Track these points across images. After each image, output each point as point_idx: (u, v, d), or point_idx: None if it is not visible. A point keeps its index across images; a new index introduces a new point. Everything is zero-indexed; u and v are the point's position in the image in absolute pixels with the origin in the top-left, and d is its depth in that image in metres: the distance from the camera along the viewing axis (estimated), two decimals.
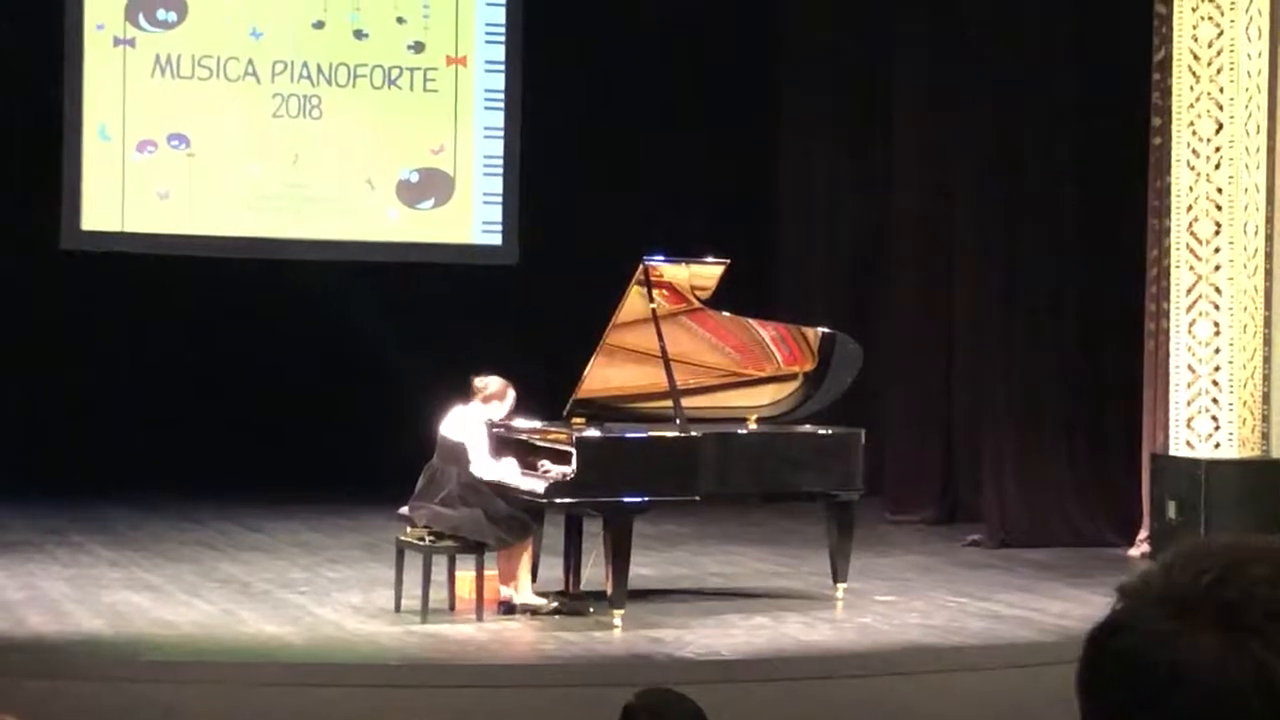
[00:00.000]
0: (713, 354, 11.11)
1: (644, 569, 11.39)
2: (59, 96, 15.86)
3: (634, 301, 10.64)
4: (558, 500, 10.13)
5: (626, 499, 10.09)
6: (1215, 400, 12.61)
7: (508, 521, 10.11)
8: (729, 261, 10.89)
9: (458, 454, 10.21)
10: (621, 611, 10.01)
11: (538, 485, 10.14)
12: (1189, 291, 12.67)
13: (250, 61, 16.30)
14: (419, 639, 9.73)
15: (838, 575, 10.92)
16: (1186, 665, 1.41)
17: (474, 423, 10.28)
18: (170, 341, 16.01)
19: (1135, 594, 1.47)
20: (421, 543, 10.19)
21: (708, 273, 10.89)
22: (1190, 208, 12.66)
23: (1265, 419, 12.72)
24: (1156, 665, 1.42)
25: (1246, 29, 12.57)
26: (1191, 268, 12.66)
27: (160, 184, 16.15)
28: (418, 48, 16.72)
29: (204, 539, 13.25)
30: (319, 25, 16.48)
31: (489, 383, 10.37)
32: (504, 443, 10.60)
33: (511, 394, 10.41)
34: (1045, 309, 14.04)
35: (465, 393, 10.41)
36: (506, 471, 10.26)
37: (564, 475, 10.06)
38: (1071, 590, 11.49)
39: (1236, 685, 1.40)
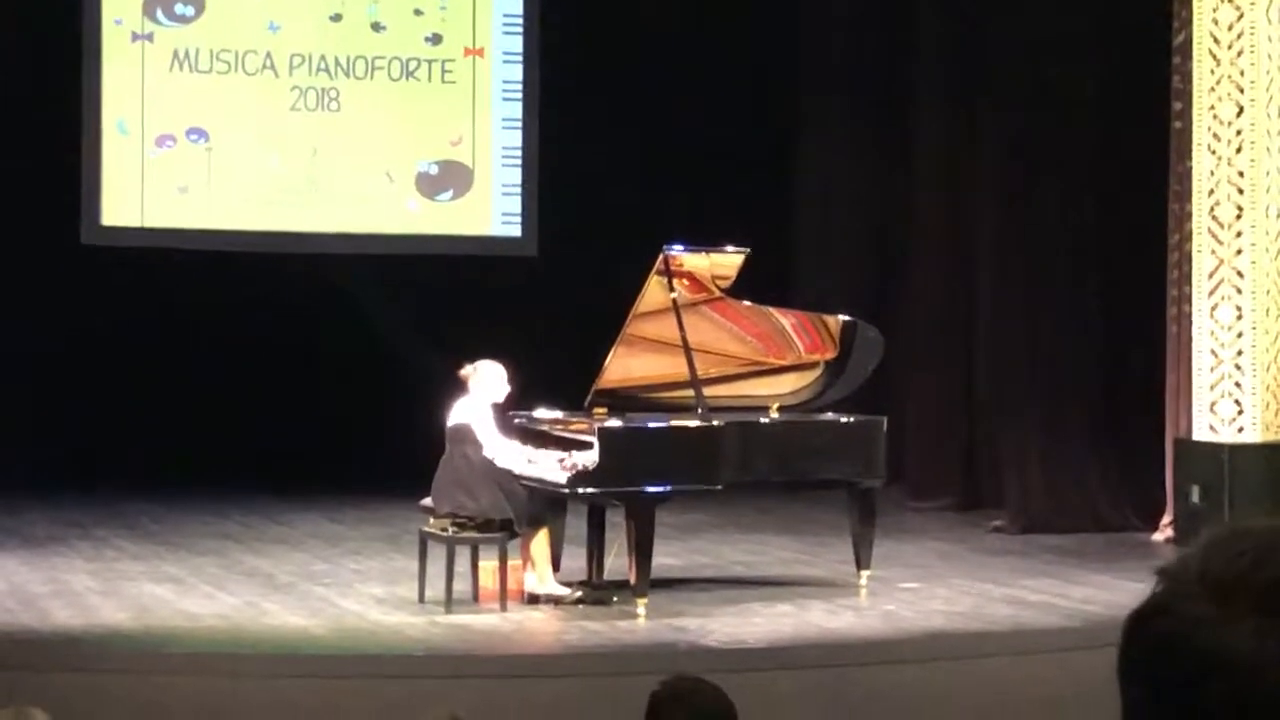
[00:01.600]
0: (734, 343, 11.10)
1: (667, 558, 11.40)
2: (77, 92, 15.88)
3: (655, 291, 10.64)
4: (580, 490, 10.14)
5: (649, 488, 10.09)
6: (1238, 384, 12.59)
7: (522, 507, 10.11)
8: (749, 250, 10.88)
9: (465, 434, 10.22)
10: (645, 600, 10.02)
11: (560, 475, 10.15)
12: (1211, 275, 12.65)
13: (268, 55, 16.31)
14: (443, 630, 9.75)
15: (861, 562, 10.93)
16: (1225, 648, 1.41)
17: (479, 408, 10.27)
18: (190, 335, 16.02)
19: (1174, 577, 1.47)
20: (444, 533, 10.20)
21: (728, 262, 10.89)
22: (1212, 191, 12.64)
23: None
24: (1196, 648, 1.42)
25: (1267, 11, 12.53)
26: (1213, 251, 12.64)
27: (179, 178, 16.17)
28: (435, 39, 16.72)
29: (227, 531, 13.27)
30: (336, 18, 16.49)
31: (476, 368, 10.37)
32: (526, 433, 10.61)
33: (501, 371, 10.36)
34: (1066, 294, 14.01)
35: (462, 387, 10.41)
36: (518, 455, 10.28)
37: (586, 466, 10.06)
38: (1095, 576, 11.48)
39: (1275, 668, 1.40)
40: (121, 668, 8.88)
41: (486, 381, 10.32)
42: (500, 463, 10.19)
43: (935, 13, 15.29)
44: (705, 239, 11.11)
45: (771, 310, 11.18)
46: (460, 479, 10.21)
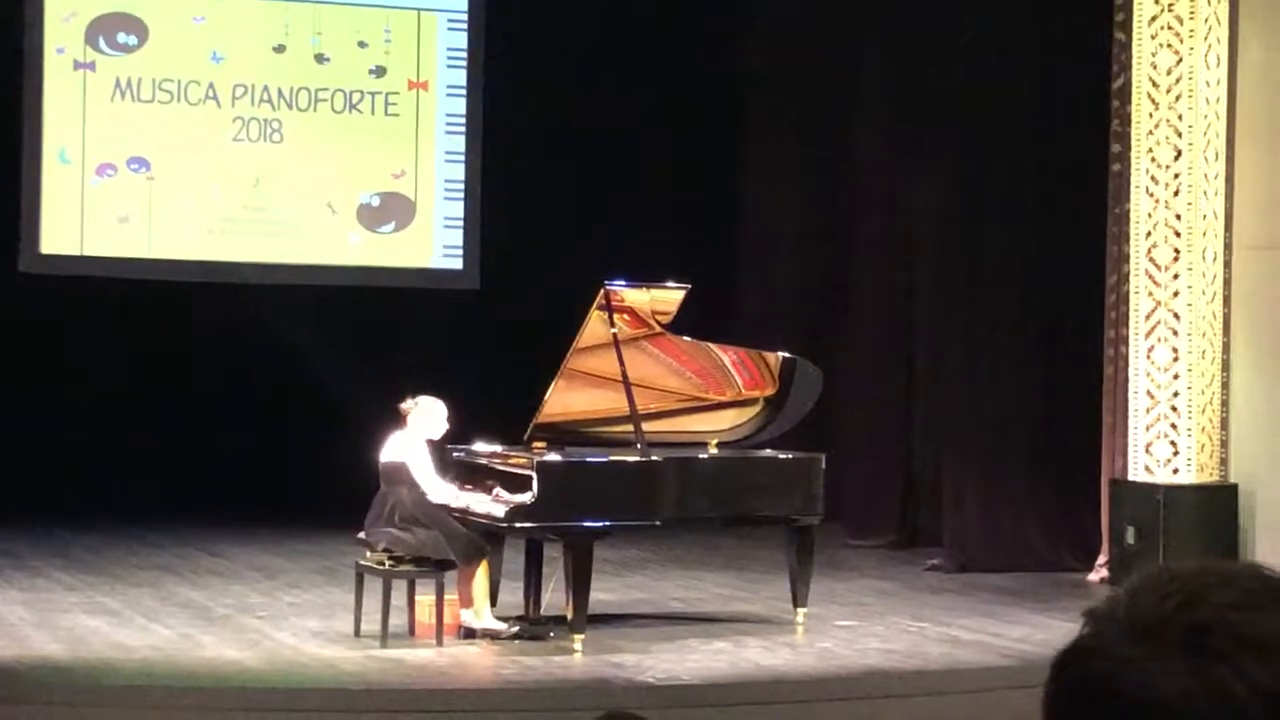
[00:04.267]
0: (674, 378, 11.11)
1: (604, 594, 11.38)
2: (18, 119, 15.80)
3: (595, 326, 10.64)
4: (518, 525, 10.12)
5: (587, 523, 10.08)
6: (1174, 426, 12.67)
7: (464, 541, 10.09)
8: (690, 286, 10.90)
9: (399, 474, 10.20)
10: (582, 636, 9.99)
11: (497, 510, 10.13)
12: (1148, 317, 12.73)
13: (211, 85, 16.27)
14: (379, 664, 9.70)
15: (798, 600, 10.93)
16: (1153, 690, 1.41)
17: (413, 444, 10.25)
18: (129, 365, 15.94)
19: (1102, 619, 1.47)
20: (381, 567, 10.17)
21: (669, 297, 10.90)
22: (1149, 234, 12.73)
23: (1223, 444, 12.78)
24: (1123, 690, 1.42)
25: (1205, 56, 12.65)
26: (1150, 294, 12.73)
27: (120, 208, 16.10)
28: (379, 72, 16.71)
29: (162, 563, 13.19)
30: (280, 49, 16.46)
31: (418, 402, 10.36)
32: (464, 467, 10.59)
33: (441, 409, 10.36)
34: (1005, 333, 14.07)
35: (398, 420, 10.38)
36: (454, 494, 10.26)
37: (524, 500, 10.05)
38: (1031, 615, 11.52)
39: (1202, 710, 1.40)
40: (54, 699, 8.81)
41: (425, 418, 10.31)
42: (437, 500, 10.17)
43: (877, 51, 15.36)
44: (646, 274, 11.13)
45: (711, 346, 11.20)
46: (394, 519, 10.18)
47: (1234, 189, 12.77)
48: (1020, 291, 14.06)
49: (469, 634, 10.32)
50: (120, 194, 16.09)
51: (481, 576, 10.32)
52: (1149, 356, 12.74)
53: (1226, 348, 12.80)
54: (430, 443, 10.35)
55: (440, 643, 10.08)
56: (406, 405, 10.35)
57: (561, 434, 10.84)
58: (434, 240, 16.90)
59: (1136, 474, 12.76)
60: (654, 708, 8.91)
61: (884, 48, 15.29)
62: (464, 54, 16.87)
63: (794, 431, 11.24)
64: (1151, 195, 12.74)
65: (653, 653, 10.03)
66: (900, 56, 15.05)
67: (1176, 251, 12.67)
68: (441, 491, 10.22)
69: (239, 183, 16.35)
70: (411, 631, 10.33)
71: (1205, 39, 12.65)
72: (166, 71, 16.18)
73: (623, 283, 10.73)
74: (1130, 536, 12.55)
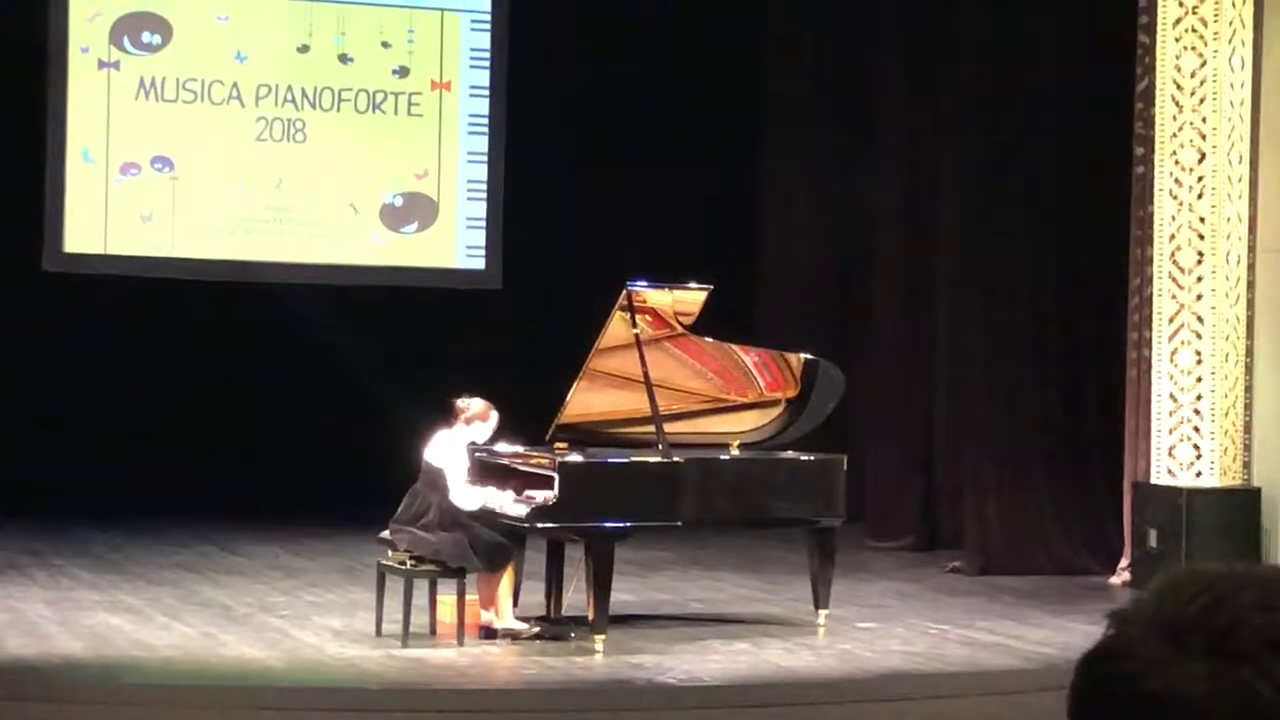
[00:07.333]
0: (695, 379, 11.11)
1: (625, 594, 11.38)
2: (42, 119, 15.84)
3: (617, 326, 10.64)
4: (540, 525, 10.13)
5: (608, 524, 10.07)
6: (1197, 429, 12.64)
7: (489, 547, 10.10)
8: (712, 287, 10.89)
9: (438, 480, 10.20)
10: (603, 637, 9.99)
11: (520, 510, 10.13)
12: (1171, 320, 12.71)
13: (235, 85, 16.31)
14: (400, 663, 9.71)
15: (819, 601, 10.92)
16: (1178, 692, 1.41)
17: (455, 449, 10.26)
18: (152, 364, 15.98)
19: (1127, 620, 1.47)
20: (403, 567, 10.17)
21: (691, 298, 10.90)
22: (1173, 236, 12.71)
23: (1246, 448, 12.75)
24: (1148, 692, 1.42)
25: (1230, 59, 12.62)
26: (1174, 296, 12.70)
27: (143, 207, 16.13)
28: (402, 72, 16.73)
29: (184, 562, 13.21)
30: (304, 49, 16.49)
31: (471, 404, 10.36)
32: (486, 467, 10.59)
33: (494, 416, 10.40)
34: (1027, 336, 14.04)
35: (447, 415, 10.39)
36: (484, 499, 10.24)
37: (546, 500, 10.05)
38: (1052, 618, 11.50)
39: (1227, 712, 1.40)
40: (76, 698, 8.83)
41: (478, 424, 10.31)
42: (463, 507, 10.16)
43: (897, 53, 15.35)
44: (668, 275, 11.12)
45: (733, 347, 11.19)
46: (420, 516, 10.18)
47: (1258, 191, 12.74)
48: (1042, 293, 14.03)
49: (490, 634, 10.32)
50: (144, 193, 16.13)
51: (504, 577, 10.32)
52: (1172, 359, 12.71)
53: (1250, 350, 12.77)
54: (470, 446, 10.35)
55: (461, 643, 10.09)
56: (462, 404, 10.34)
57: (583, 435, 10.84)
58: (456, 240, 16.92)
59: (1159, 477, 12.74)
60: (675, 709, 8.91)
61: (904, 50, 15.27)
62: (487, 54, 16.90)
63: (815, 433, 11.23)
64: (1175, 198, 12.71)
65: (674, 653, 10.03)
66: (921, 58, 15.03)
67: (1200, 254, 12.65)
68: (470, 500, 10.20)
69: (262, 182, 16.39)
70: (433, 631, 10.34)
71: (1230, 41, 12.62)
72: (190, 71, 16.22)
73: (645, 283, 10.72)
74: (1152, 539, 12.53)
